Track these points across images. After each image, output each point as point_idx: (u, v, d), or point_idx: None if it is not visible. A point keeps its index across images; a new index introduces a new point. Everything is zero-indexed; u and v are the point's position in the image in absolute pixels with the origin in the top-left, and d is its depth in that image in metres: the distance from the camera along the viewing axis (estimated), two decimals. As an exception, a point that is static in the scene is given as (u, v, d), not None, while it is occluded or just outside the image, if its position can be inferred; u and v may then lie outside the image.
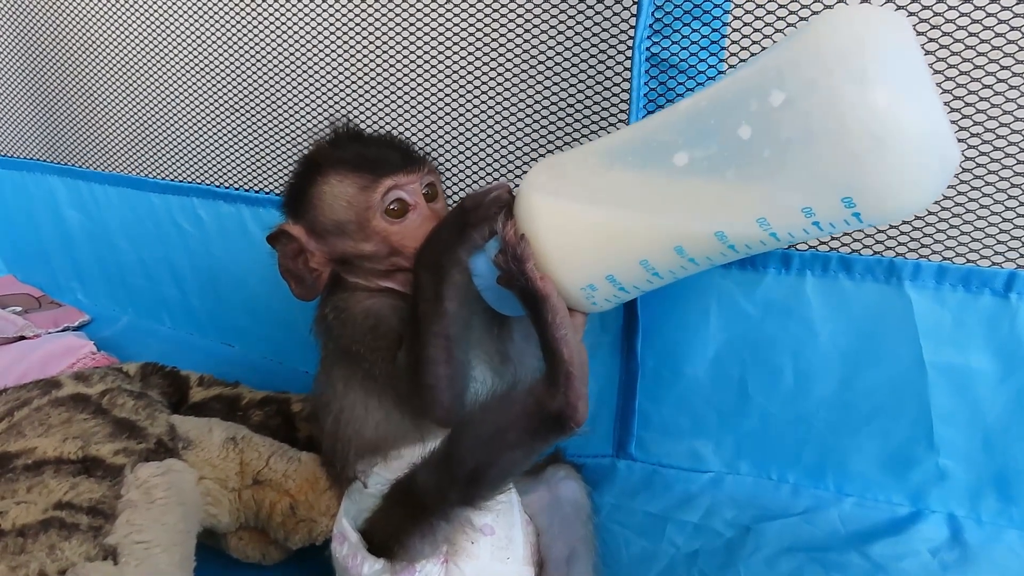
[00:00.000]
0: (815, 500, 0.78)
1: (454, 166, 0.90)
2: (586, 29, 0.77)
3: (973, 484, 0.72)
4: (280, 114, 1.01)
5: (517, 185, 0.84)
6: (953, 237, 0.68)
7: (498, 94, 0.84)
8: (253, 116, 1.03)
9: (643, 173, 0.50)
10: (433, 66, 0.87)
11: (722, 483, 0.81)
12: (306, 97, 0.98)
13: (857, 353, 0.73)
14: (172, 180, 1.13)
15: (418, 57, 0.88)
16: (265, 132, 1.03)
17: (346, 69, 0.93)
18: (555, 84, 0.80)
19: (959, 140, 0.65)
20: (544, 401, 0.52)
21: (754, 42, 0.69)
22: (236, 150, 1.06)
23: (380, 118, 0.93)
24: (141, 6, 1.06)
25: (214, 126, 1.07)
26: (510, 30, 0.81)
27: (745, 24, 0.69)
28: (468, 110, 0.87)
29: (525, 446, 0.54)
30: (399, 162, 0.63)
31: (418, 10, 0.86)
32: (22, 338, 1.13)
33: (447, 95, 0.87)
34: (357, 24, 0.91)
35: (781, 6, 0.68)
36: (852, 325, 0.73)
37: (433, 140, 0.90)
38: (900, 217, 0.49)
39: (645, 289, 0.55)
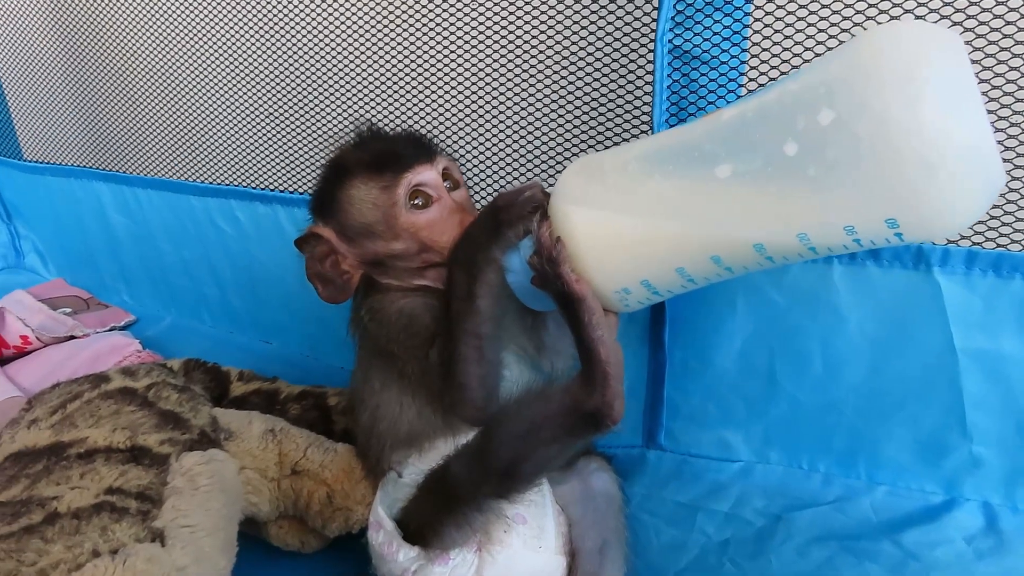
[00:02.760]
0: (846, 489, 0.77)
1: (481, 162, 0.91)
2: (609, 23, 0.78)
3: (1008, 471, 0.72)
4: (312, 117, 1.03)
5: (548, 183, 0.86)
6: (982, 221, 0.67)
7: (523, 89, 0.85)
8: (287, 120, 1.06)
9: (684, 183, 0.49)
10: (459, 63, 0.89)
11: (752, 472, 0.81)
12: (337, 100, 1.00)
13: (886, 340, 0.73)
14: (211, 183, 1.16)
15: (444, 56, 0.89)
16: (298, 135, 1.06)
17: (374, 72, 0.95)
18: (579, 78, 0.81)
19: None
20: (581, 399, 0.53)
21: (776, 31, 0.69)
22: (271, 153, 1.09)
23: (409, 117, 0.95)
24: (180, 19, 1.09)
25: (250, 130, 1.10)
26: (534, 26, 0.82)
27: (767, 14, 0.69)
28: (494, 106, 0.88)
29: (560, 442, 0.55)
30: (415, 156, 0.64)
31: (444, 10, 0.87)
32: (72, 338, 1.17)
33: (473, 91, 0.89)
34: (385, 27, 0.92)
35: (802, -4, 0.68)
36: (881, 312, 0.72)
37: (460, 137, 0.92)
38: (942, 237, 0.48)
39: (679, 292, 0.55)
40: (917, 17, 0.64)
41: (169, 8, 1.10)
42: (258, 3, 1.01)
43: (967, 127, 0.41)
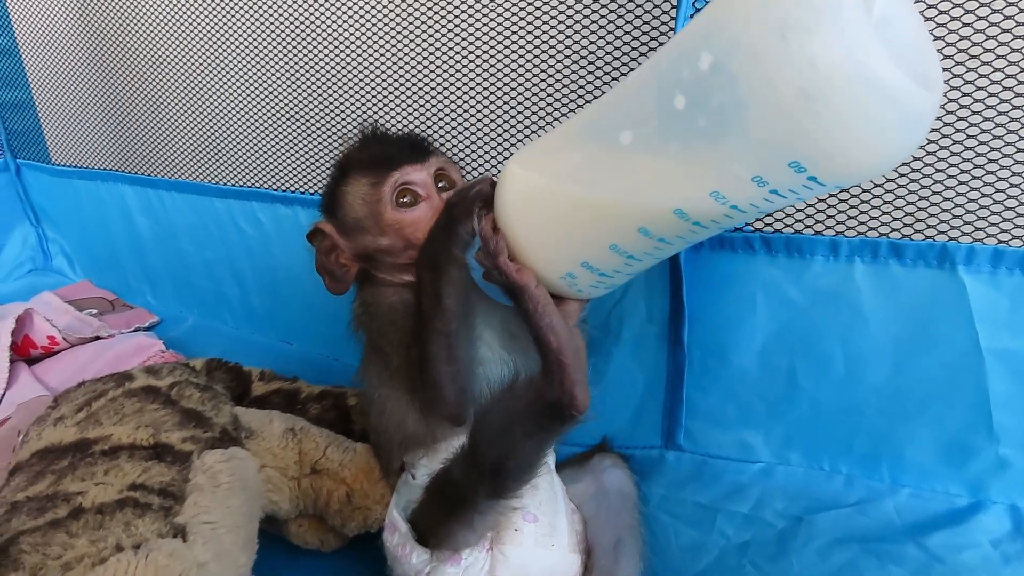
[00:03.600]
0: (869, 491, 0.76)
1: (496, 165, 0.92)
2: (627, 23, 0.77)
3: (1036, 474, 0.70)
4: (332, 120, 1.04)
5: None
6: (1009, 219, 0.66)
7: (541, 90, 0.85)
8: (307, 123, 1.07)
9: (595, 154, 0.48)
10: (477, 65, 0.89)
11: (772, 473, 0.81)
12: (356, 102, 1.01)
13: (910, 340, 0.72)
14: (233, 185, 1.18)
15: (462, 58, 0.90)
16: (318, 137, 1.07)
17: (393, 74, 0.96)
18: (596, 77, 0.81)
19: (1007, 116, 0.63)
20: (543, 392, 0.53)
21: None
22: (292, 155, 1.10)
23: (427, 119, 0.95)
24: (203, 27, 1.11)
25: (271, 134, 1.11)
26: (552, 27, 0.82)
27: (787, 11, 0.69)
28: (511, 107, 0.88)
29: (536, 437, 0.54)
30: (406, 156, 0.65)
31: (462, 12, 0.88)
32: (97, 338, 1.19)
33: (490, 93, 0.89)
34: (404, 30, 0.93)
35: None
36: (904, 311, 0.71)
37: (477, 139, 0.92)
38: (868, 177, 0.43)
39: (631, 272, 0.54)
40: None
41: (193, 16, 1.11)
42: (279, 10, 1.02)
43: (856, 48, 0.36)
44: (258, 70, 1.09)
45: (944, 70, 0.63)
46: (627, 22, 0.77)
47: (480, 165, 0.93)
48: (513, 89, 0.87)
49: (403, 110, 0.97)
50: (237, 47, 1.09)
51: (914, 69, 0.37)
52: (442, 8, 0.89)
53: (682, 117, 0.42)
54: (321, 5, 0.99)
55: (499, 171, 0.92)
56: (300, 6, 1.00)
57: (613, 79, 0.80)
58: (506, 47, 0.86)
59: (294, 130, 1.09)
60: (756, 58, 0.38)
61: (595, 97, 0.82)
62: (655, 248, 0.49)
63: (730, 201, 0.43)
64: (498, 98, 0.89)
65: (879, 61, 0.36)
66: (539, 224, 0.52)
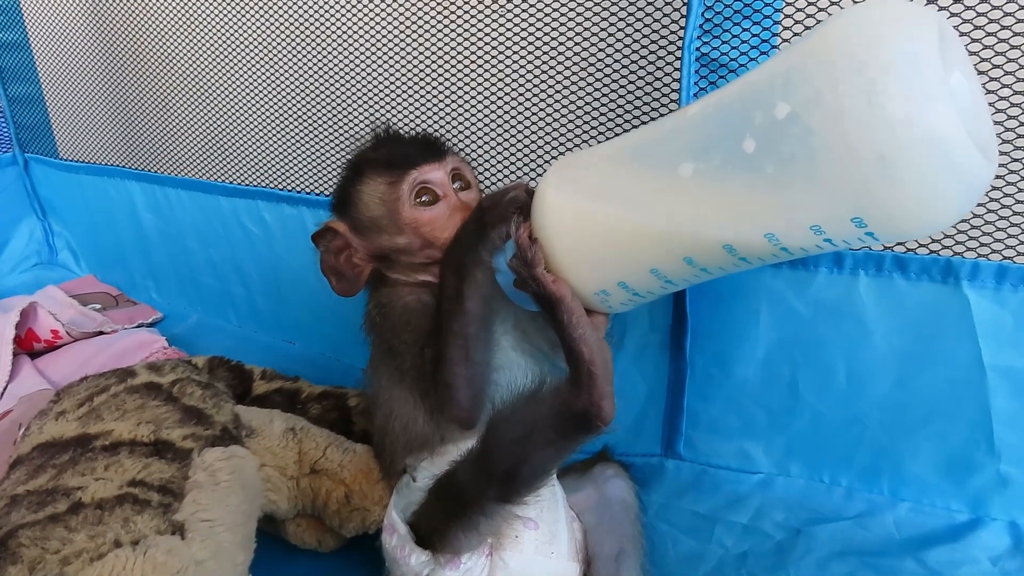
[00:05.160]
0: (869, 504, 0.76)
1: (505, 166, 0.92)
2: (636, 31, 0.78)
3: (1037, 491, 0.70)
4: (339, 120, 1.05)
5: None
6: (1014, 236, 0.66)
7: (549, 95, 0.86)
8: (314, 123, 1.07)
9: (650, 182, 0.48)
10: (486, 68, 0.89)
11: (772, 484, 0.80)
12: (364, 103, 1.01)
13: (912, 354, 0.72)
14: (239, 184, 1.18)
15: (471, 60, 0.90)
16: (325, 138, 1.07)
17: (401, 75, 0.96)
18: (605, 84, 0.81)
19: (1013, 132, 0.63)
20: (570, 401, 0.52)
21: (805, 40, 0.69)
22: (298, 155, 1.10)
23: (434, 120, 0.95)
24: (213, 25, 1.11)
25: (278, 133, 1.12)
26: (561, 32, 0.82)
27: (796, 23, 0.69)
28: (520, 111, 0.88)
29: (555, 445, 0.54)
30: (423, 155, 0.65)
31: (472, 16, 0.88)
32: (101, 333, 1.20)
33: (499, 96, 0.89)
34: (412, 31, 0.93)
35: (832, 3, 0.67)
36: (907, 326, 0.71)
37: (485, 140, 0.92)
38: (922, 235, 0.45)
39: (663, 294, 0.54)
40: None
41: (203, 14, 1.12)
42: (289, 10, 1.03)
43: (934, 118, 0.37)
44: (267, 70, 1.09)
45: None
46: (636, 30, 0.78)
47: (487, 165, 0.93)
48: (521, 87, 0.87)
49: (411, 111, 0.97)
50: (247, 46, 1.09)
51: (978, 139, 0.39)
52: (450, 9, 0.89)
53: (749, 160, 0.43)
54: (331, 5, 0.99)
55: (508, 173, 0.92)
56: (310, 6, 1.01)
57: (619, 83, 0.80)
58: (515, 47, 0.86)
59: (301, 130, 1.09)
60: (838, 118, 0.38)
61: (598, 99, 0.82)
62: (694, 276, 0.50)
63: (783, 243, 0.44)
64: (506, 98, 0.89)
65: (956, 132, 0.37)
66: (580, 241, 0.52)
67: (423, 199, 0.64)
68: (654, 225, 0.48)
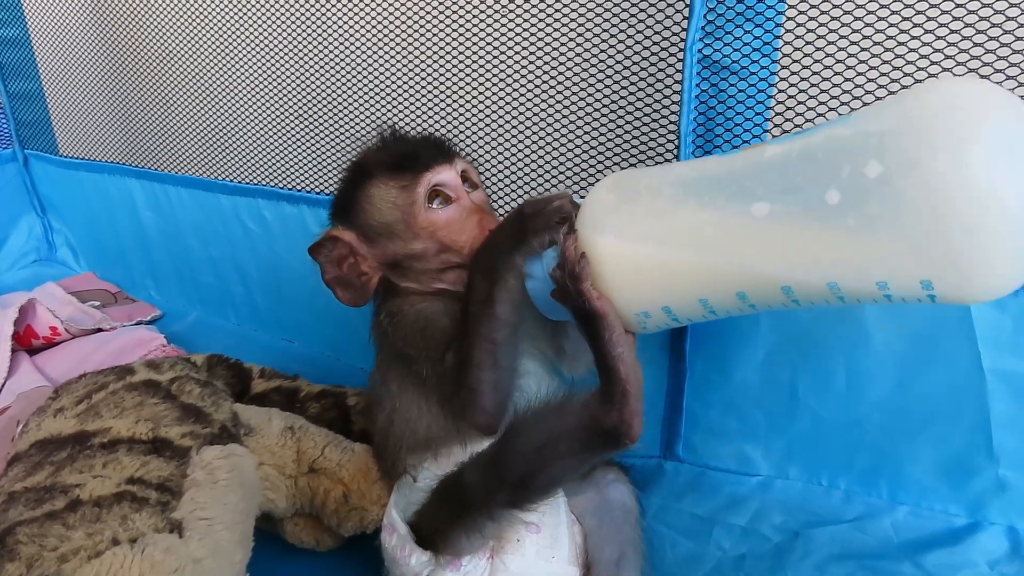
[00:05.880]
0: (867, 507, 0.76)
1: (507, 168, 0.92)
2: (638, 32, 0.78)
3: (1035, 496, 0.70)
4: (339, 119, 1.05)
5: (573, 190, 0.86)
6: (1015, 240, 0.66)
7: (551, 96, 0.86)
8: (314, 122, 1.07)
9: (718, 216, 0.48)
10: (488, 69, 0.89)
11: (771, 487, 0.80)
12: (364, 103, 1.01)
13: (912, 358, 0.71)
14: (239, 182, 1.18)
15: (473, 61, 0.90)
16: (325, 137, 1.07)
17: (403, 75, 0.96)
18: (606, 86, 0.81)
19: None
20: (599, 416, 0.52)
21: (808, 43, 0.69)
22: (299, 154, 1.10)
23: (436, 121, 0.95)
24: (213, 23, 1.11)
25: (278, 131, 1.12)
26: (563, 33, 0.82)
27: (799, 25, 0.69)
28: (521, 112, 0.88)
29: (576, 457, 0.54)
30: (434, 157, 0.64)
31: (474, 16, 0.88)
32: (99, 330, 1.20)
33: (501, 98, 0.89)
34: (414, 32, 0.93)
35: (836, 6, 0.67)
36: (907, 329, 0.71)
37: (487, 143, 0.92)
38: (977, 302, 0.46)
39: (700, 321, 0.54)
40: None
41: (204, 11, 1.12)
42: (290, 7, 1.03)
43: (1017, 192, 0.39)
44: (267, 68, 1.09)
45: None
46: (639, 31, 0.78)
47: (487, 165, 0.93)
48: (523, 87, 0.87)
49: (412, 110, 0.97)
50: (248, 44, 1.09)
51: None
52: (452, 8, 0.89)
53: (831, 210, 0.43)
54: (332, 3, 0.99)
55: (508, 173, 0.92)
56: (312, 4, 1.01)
57: (621, 85, 0.80)
58: (517, 48, 0.86)
59: (302, 129, 1.09)
60: (931, 185, 0.40)
61: (600, 100, 0.82)
62: (738, 309, 0.50)
63: (842, 292, 0.45)
64: (508, 99, 0.89)
65: None
66: (631, 264, 0.51)
67: (436, 202, 0.63)
68: (717, 260, 0.48)
